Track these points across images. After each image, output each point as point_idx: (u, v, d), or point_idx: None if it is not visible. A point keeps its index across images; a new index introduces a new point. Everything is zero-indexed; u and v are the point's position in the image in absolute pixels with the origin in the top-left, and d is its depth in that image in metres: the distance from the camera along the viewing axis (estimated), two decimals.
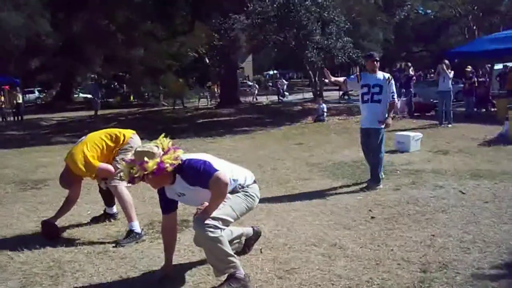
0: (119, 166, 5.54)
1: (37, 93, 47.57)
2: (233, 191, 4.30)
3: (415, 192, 7.15)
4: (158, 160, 4.02)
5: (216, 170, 4.02)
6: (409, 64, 20.66)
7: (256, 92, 35.76)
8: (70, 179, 5.81)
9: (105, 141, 5.80)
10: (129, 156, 5.57)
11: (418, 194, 7.01)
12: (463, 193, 6.93)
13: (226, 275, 4.13)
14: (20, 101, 26.85)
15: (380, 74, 7.89)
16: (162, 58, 33.07)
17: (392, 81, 7.90)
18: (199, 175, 4.05)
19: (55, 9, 24.80)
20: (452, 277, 4.19)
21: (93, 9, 22.25)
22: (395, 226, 5.61)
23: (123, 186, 5.64)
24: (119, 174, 5.59)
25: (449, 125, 14.86)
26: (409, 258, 4.64)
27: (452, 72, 15.52)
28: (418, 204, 6.48)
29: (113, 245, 5.44)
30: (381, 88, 7.73)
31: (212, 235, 4.00)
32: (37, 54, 33.20)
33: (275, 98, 34.20)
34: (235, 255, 4.22)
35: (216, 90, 35.08)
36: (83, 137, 5.92)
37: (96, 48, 26.92)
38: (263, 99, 33.53)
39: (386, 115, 7.79)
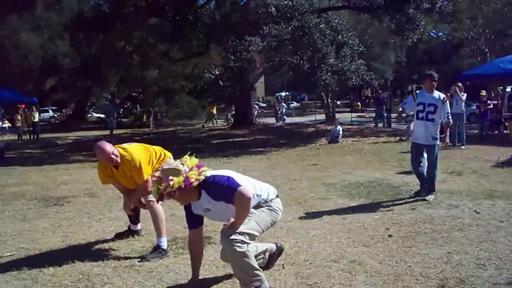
0: None
1: (51, 112, 48.08)
2: (257, 206, 4.48)
3: (430, 211, 7.28)
4: (183, 177, 4.22)
5: (240, 185, 4.21)
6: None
7: (255, 113, 35.11)
8: (111, 158, 5.65)
9: (151, 152, 6.01)
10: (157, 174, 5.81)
11: (433, 213, 7.15)
12: (478, 212, 7.06)
13: None
14: (36, 119, 27.16)
15: (436, 94, 8.22)
16: (176, 79, 33.48)
17: (447, 102, 8.23)
18: (223, 190, 4.24)
19: (75, 31, 25.23)
20: None
21: (111, 31, 22.60)
22: (412, 243, 5.75)
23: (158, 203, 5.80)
24: None
25: (462, 147, 14.98)
26: (427, 274, 4.78)
27: (465, 94, 15.68)
28: (434, 223, 6.62)
29: (139, 259, 5.58)
30: (435, 108, 8.08)
31: (239, 250, 4.18)
32: (54, 74, 33.73)
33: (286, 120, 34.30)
34: (261, 269, 4.40)
35: (213, 111, 35.18)
36: (131, 143, 6.11)
37: (112, 68, 27.28)
38: (274, 121, 33.62)
39: (439, 134, 8.27)
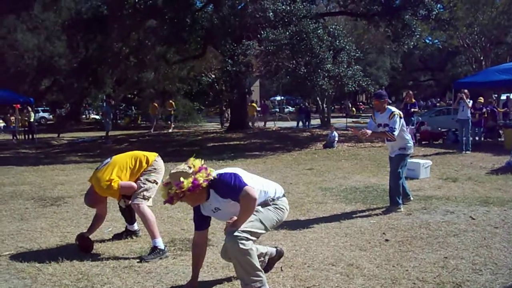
0: (142, 186, 5.84)
1: (41, 113, 47.72)
2: (264, 204, 4.56)
3: (426, 217, 7.36)
4: (192, 178, 4.29)
5: (246, 185, 4.29)
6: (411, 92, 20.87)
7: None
8: (96, 198, 6.03)
9: (130, 164, 6.04)
10: (153, 176, 5.92)
11: (429, 219, 7.23)
12: (473, 218, 7.15)
13: None
14: (32, 120, 27.12)
15: (387, 112, 7.89)
16: (172, 82, 33.47)
17: (395, 117, 7.72)
18: (230, 188, 4.32)
19: (73, 32, 25.26)
20: None
21: (110, 32, 22.60)
22: (409, 248, 5.82)
23: (145, 205, 5.88)
24: (142, 193, 5.85)
25: (467, 152, 15.16)
26: (424, 278, 4.85)
27: (471, 101, 15.85)
28: (430, 228, 6.70)
29: (138, 260, 5.63)
30: (388, 126, 7.84)
31: (242, 247, 4.25)
32: (50, 74, 33.68)
33: (281, 124, 34.40)
34: (262, 271, 4.45)
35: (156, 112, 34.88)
36: (108, 159, 6.12)
37: (108, 70, 27.27)
38: (270, 125, 33.70)
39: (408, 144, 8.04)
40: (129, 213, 6.61)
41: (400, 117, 7.80)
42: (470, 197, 8.72)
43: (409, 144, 8.03)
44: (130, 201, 6.11)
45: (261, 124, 33.27)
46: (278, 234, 6.51)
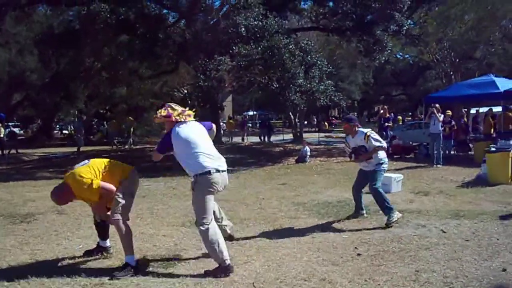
0: (120, 200, 5.78)
1: (11, 128, 46.78)
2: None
3: (399, 230, 7.39)
4: (168, 112, 5.79)
5: (157, 150, 5.98)
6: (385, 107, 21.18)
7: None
8: (67, 196, 5.89)
9: (108, 168, 5.99)
10: (129, 189, 5.92)
11: (401, 232, 7.26)
12: (444, 232, 7.20)
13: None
14: (2, 135, 26.69)
15: (360, 135, 8.10)
16: (145, 97, 33.35)
17: (372, 135, 8.02)
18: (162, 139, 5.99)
19: (44, 47, 24.97)
20: None
21: (82, 47, 22.42)
22: (381, 262, 5.84)
23: (124, 220, 5.81)
24: (120, 208, 5.78)
25: (439, 166, 15.36)
26: None
27: (442, 115, 16.10)
28: (402, 242, 6.73)
29: (109, 277, 5.53)
30: (365, 148, 8.03)
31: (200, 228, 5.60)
32: (22, 89, 33.30)
33: (253, 139, 34.49)
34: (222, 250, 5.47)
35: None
36: (86, 161, 6.07)
37: (80, 85, 27.07)
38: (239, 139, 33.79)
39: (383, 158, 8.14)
40: (103, 229, 6.53)
41: (374, 132, 8.14)
42: (441, 210, 8.80)
43: (384, 160, 8.15)
44: (103, 216, 6.08)
45: (237, 139, 33.34)
46: (251, 250, 6.49)
